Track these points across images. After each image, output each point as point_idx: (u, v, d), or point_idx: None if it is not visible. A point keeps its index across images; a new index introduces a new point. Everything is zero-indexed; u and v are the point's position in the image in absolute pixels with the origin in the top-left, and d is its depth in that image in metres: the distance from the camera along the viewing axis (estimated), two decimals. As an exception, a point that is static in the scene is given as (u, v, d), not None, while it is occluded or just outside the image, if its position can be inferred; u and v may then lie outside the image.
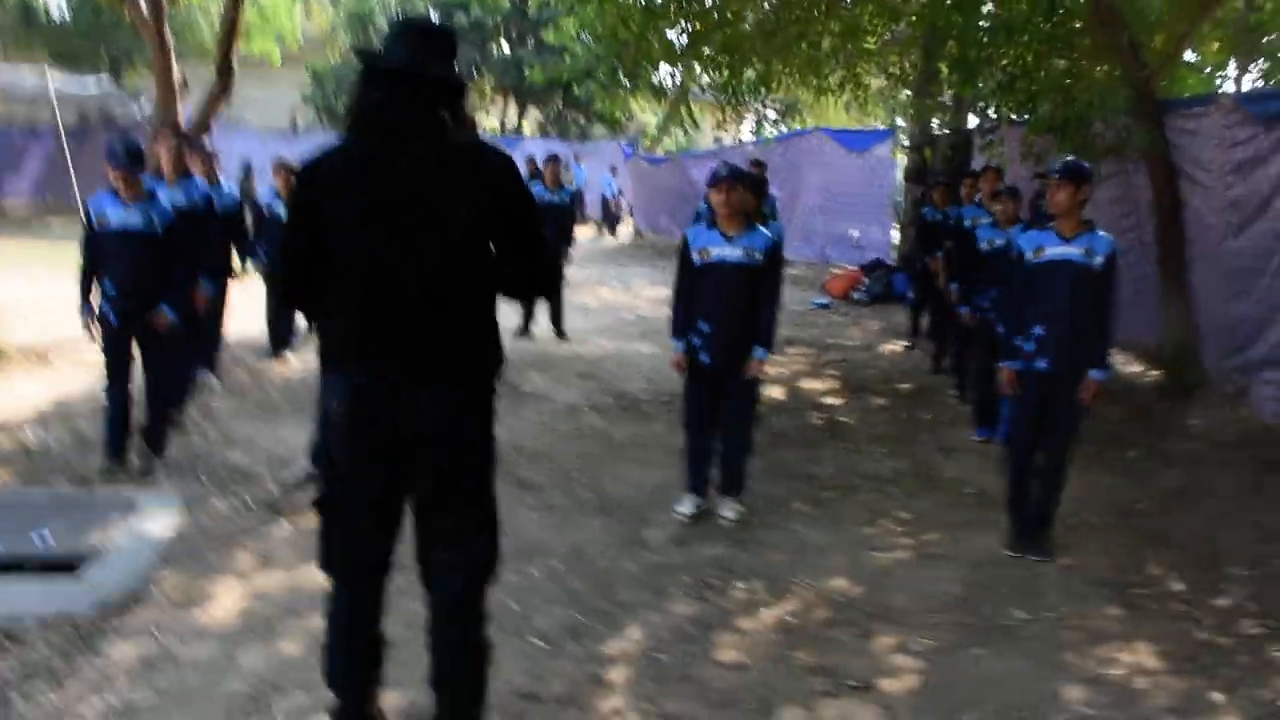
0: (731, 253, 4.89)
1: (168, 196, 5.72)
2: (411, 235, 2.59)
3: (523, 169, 7.78)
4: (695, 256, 4.97)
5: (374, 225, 2.59)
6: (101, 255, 5.30)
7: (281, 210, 8.18)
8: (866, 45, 11.67)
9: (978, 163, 12.25)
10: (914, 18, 11.15)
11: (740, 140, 15.69)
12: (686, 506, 5.04)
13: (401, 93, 2.61)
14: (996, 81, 9.22)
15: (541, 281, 2.92)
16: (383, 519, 2.75)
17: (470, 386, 2.72)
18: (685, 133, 12.05)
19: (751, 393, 5.12)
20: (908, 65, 14.03)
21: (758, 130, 21.18)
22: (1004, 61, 8.92)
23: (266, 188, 8.68)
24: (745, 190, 4.97)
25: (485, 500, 2.79)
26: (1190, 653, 3.83)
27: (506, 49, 26.96)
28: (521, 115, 29.42)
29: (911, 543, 4.93)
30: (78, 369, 7.75)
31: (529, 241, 2.74)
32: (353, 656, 2.84)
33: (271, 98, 27.74)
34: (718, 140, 26.06)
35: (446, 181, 2.62)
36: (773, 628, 3.91)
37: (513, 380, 7.39)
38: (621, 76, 11.15)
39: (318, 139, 23.75)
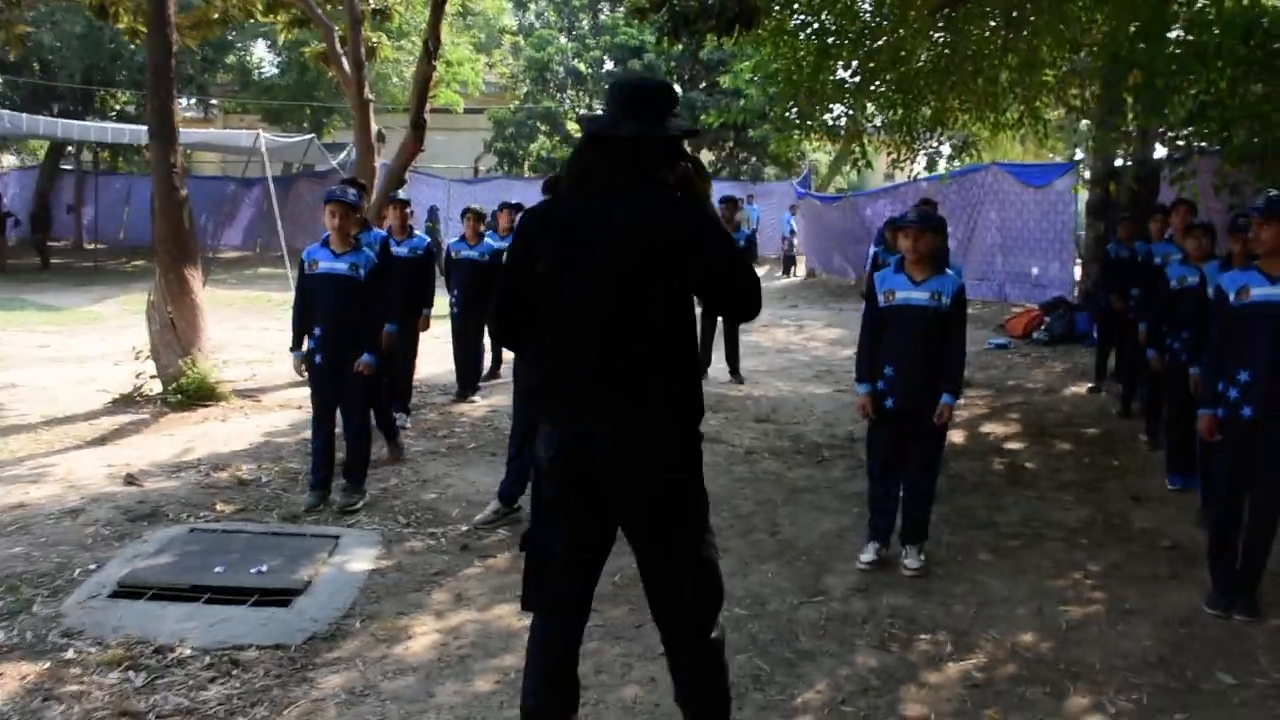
0: (918, 296, 4.87)
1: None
2: (600, 288, 2.71)
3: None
4: (881, 299, 4.97)
5: (567, 277, 2.75)
6: (312, 300, 5.73)
7: (470, 253, 8.59)
8: (1045, 78, 11.38)
9: (1166, 196, 11.73)
10: (1095, 48, 10.83)
11: (914, 177, 15.48)
12: (869, 554, 5.01)
13: (597, 151, 2.79)
14: (1187, 110, 8.83)
15: (750, 304, 2.88)
16: (584, 561, 2.87)
17: (668, 433, 2.77)
18: (858, 171, 11.98)
19: (937, 439, 5.06)
20: (1089, 96, 13.59)
21: (931, 167, 20.86)
22: (1194, 89, 8.54)
23: (454, 234, 9.14)
24: (933, 235, 4.95)
25: (697, 541, 2.84)
26: None
27: (679, 92, 27.38)
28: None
29: (1103, 597, 4.74)
30: (285, 410, 8.30)
31: (729, 274, 2.78)
32: (550, 689, 2.91)
33: (455, 145, 29.08)
34: (889, 178, 25.76)
35: (633, 235, 2.71)
36: (959, 682, 3.83)
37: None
38: (795, 117, 11.23)
39: (498, 184, 24.77)
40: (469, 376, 8.91)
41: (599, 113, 2.91)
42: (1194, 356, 5.90)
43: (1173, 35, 9.34)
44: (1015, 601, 4.64)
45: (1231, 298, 4.53)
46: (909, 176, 14.37)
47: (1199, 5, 9.18)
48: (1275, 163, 7.69)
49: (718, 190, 19.39)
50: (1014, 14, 9.62)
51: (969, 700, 3.69)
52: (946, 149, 21.57)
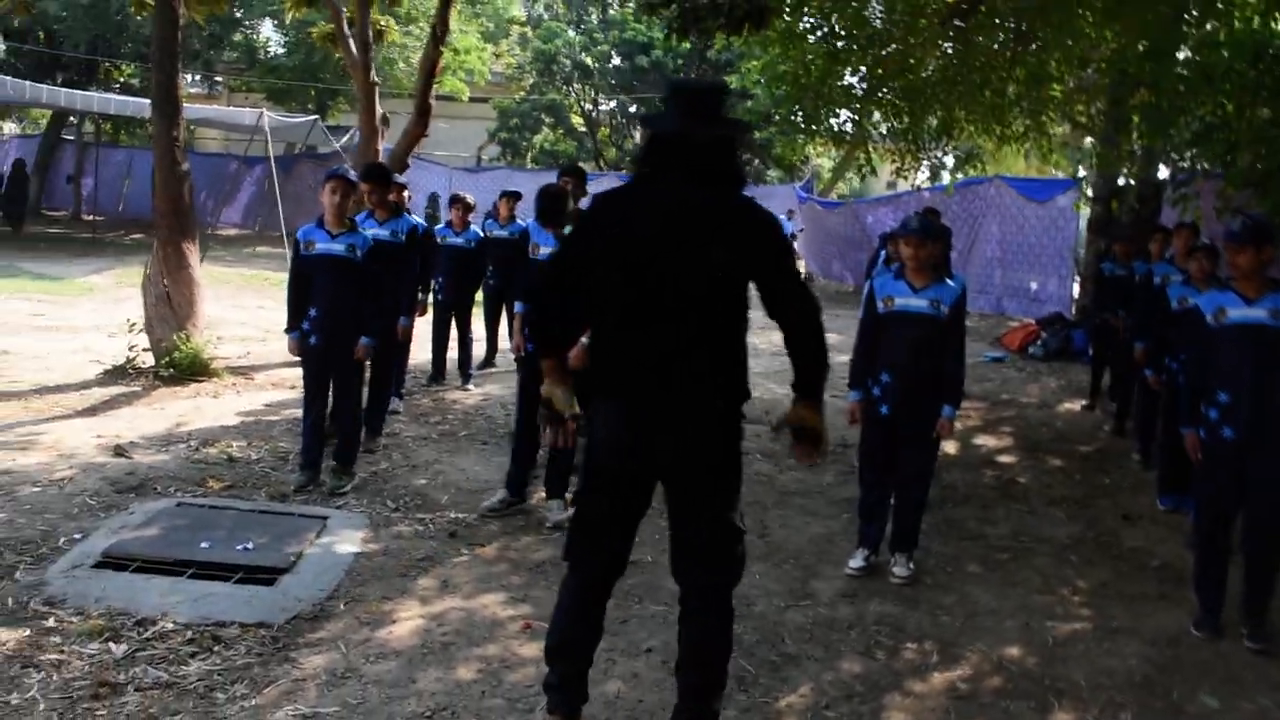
0: (917, 303, 4.85)
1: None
2: (674, 276, 2.90)
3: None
4: (880, 305, 4.95)
5: (646, 263, 2.92)
6: (308, 280, 5.68)
7: (457, 241, 8.61)
8: (1052, 92, 11.38)
9: (1166, 216, 11.72)
10: (1103, 64, 10.82)
11: (918, 187, 15.48)
12: (858, 560, 4.99)
13: (673, 152, 2.96)
14: (1192, 131, 8.83)
15: (815, 336, 3.07)
16: (626, 522, 3.11)
17: (720, 415, 2.98)
18: (861, 178, 11.97)
19: (931, 448, 5.04)
20: (1094, 113, 13.59)
21: (933, 177, 20.84)
22: (1201, 111, 8.53)
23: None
24: (934, 244, 4.93)
25: (733, 510, 3.07)
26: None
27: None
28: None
29: (1091, 614, 4.72)
30: (278, 388, 8.26)
31: (791, 295, 3.01)
32: (579, 631, 3.17)
33: (458, 133, 28.99)
34: (891, 186, 25.73)
35: (709, 230, 2.93)
36: (944, 693, 3.82)
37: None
38: (800, 120, 11.21)
39: (500, 174, 24.70)
40: (461, 364, 8.88)
41: (661, 111, 3.10)
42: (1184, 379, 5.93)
43: (1181, 56, 9.35)
44: (1003, 614, 4.62)
45: (1209, 319, 4.53)
46: (913, 186, 14.34)
47: (1208, 27, 9.18)
48: (1277, 188, 7.67)
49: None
50: (1024, 27, 9.60)
51: (953, 711, 3.68)
52: (950, 160, 21.58)
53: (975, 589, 4.92)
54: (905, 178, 12.60)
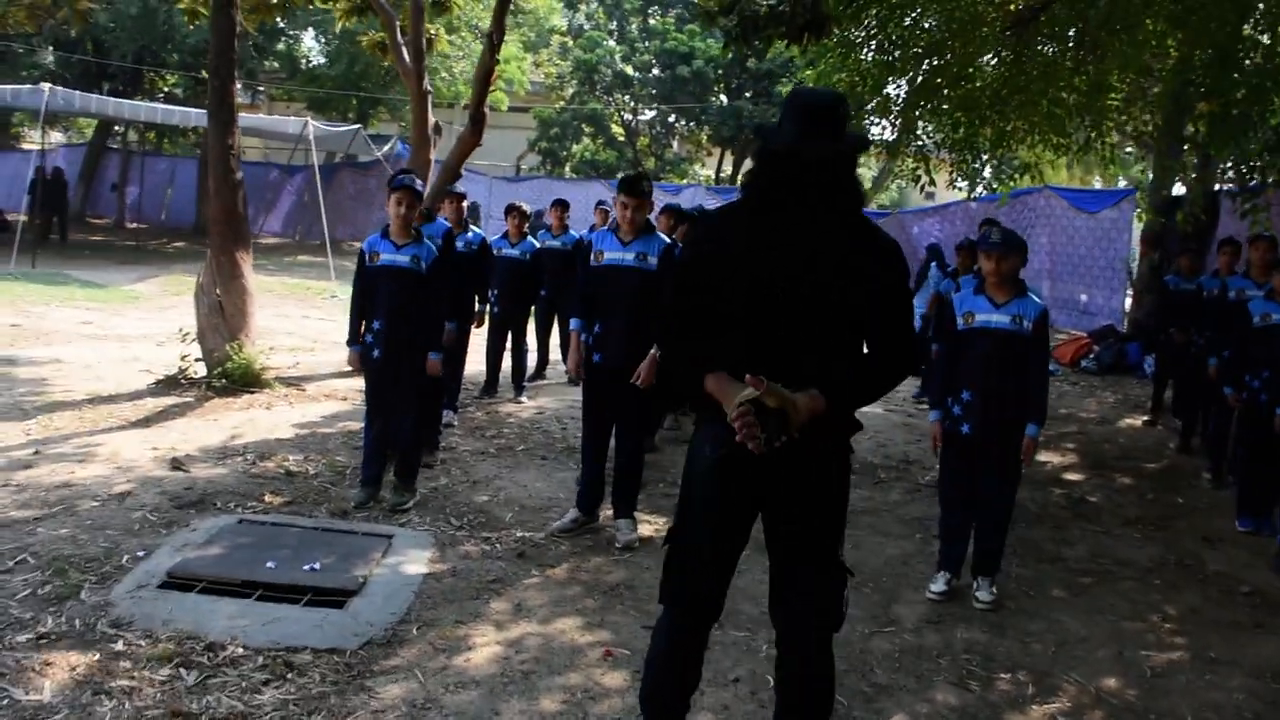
0: (999, 319, 4.69)
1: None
2: (790, 299, 2.70)
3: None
4: (960, 321, 4.78)
5: (756, 285, 2.72)
6: (372, 292, 5.58)
7: (513, 253, 8.51)
8: (1111, 101, 11.14)
9: (1225, 227, 11.45)
10: (1163, 73, 10.57)
11: (974, 197, 15.20)
12: (939, 584, 4.82)
13: (788, 170, 2.69)
14: (1262, 141, 8.59)
15: (897, 373, 2.88)
16: (727, 558, 2.90)
17: (832, 448, 2.80)
18: (921, 188, 11.77)
19: (1014, 468, 4.86)
20: (1154, 123, 13.31)
21: (970, 188, 20.57)
22: (1274, 120, 8.30)
23: (495, 231, 9.08)
24: (1016, 257, 4.76)
25: (837, 553, 2.88)
26: None
27: (725, 100, 27.21)
28: (737, 166, 29.56)
29: (1185, 643, 4.53)
30: (330, 400, 8.18)
31: (899, 328, 2.81)
32: (674, 679, 2.97)
33: (498, 142, 29.03)
34: (930, 196, 25.41)
35: (823, 257, 2.70)
36: (1046, 728, 3.65)
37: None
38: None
39: (540, 184, 24.66)
40: (514, 377, 8.80)
41: (776, 126, 2.81)
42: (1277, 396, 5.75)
43: (1247, 64, 9.11)
44: (1094, 643, 4.44)
45: None
46: (969, 196, 14.08)
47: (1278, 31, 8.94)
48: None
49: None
50: (1085, 35, 9.38)
51: (1059, 749, 3.51)
52: (987, 171, 21.23)
53: (1062, 615, 4.74)
54: (959, 189, 12.40)
